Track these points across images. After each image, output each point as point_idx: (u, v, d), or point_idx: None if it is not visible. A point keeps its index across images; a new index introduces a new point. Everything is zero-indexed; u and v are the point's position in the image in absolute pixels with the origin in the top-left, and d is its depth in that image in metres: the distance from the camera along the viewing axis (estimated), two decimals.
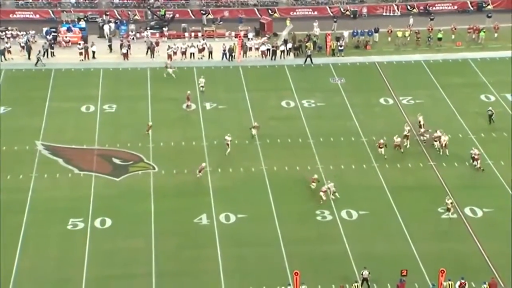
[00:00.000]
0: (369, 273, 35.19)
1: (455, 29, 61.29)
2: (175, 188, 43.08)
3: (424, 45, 60.29)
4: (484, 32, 60.75)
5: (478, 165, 44.13)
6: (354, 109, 51.52)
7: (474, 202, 41.81)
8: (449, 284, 34.32)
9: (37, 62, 56.16)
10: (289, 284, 34.78)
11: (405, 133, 46.79)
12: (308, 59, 57.42)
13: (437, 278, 34.81)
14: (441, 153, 45.80)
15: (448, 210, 40.30)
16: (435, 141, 46.19)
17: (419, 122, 48.26)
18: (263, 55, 58.98)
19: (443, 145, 45.97)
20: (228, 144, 46.08)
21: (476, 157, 44.49)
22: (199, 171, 43.37)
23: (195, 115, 50.87)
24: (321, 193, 41.27)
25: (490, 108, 49.42)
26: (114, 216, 40.48)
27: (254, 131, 46.64)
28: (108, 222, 40.14)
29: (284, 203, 41.76)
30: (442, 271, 34.54)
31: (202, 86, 53.96)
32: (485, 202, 41.78)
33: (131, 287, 36.00)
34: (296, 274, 34.46)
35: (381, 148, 45.37)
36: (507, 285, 35.48)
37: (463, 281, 34.50)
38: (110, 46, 58.85)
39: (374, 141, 47.01)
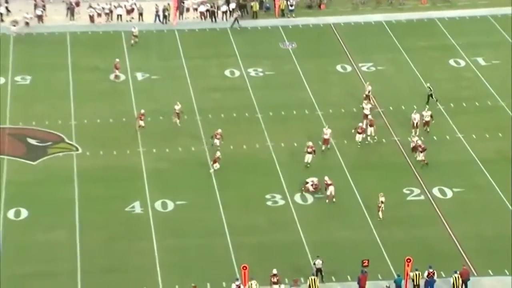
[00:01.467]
0: (322, 262, 35.51)
1: None
2: (103, 172, 42.72)
3: (385, 4, 60.77)
4: None
5: (421, 158, 42.82)
6: (307, 78, 51.67)
7: (443, 181, 42.46)
8: (416, 274, 34.86)
9: None
10: (237, 279, 34.92)
11: (366, 112, 46.40)
12: (236, 22, 57.15)
13: (403, 268, 35.38)
14: (371, 141, 44.80)
15: (379, 209, 39.23)
16: (358, 132, 44.24)
17: (366, 92, 47.89)
18: (202, 17, 58.61)
19: (416, 124, 45.02)
20: (177, 114, 45.79)
21: (417, 146, 42.89)
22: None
23: (124, 87, 50.30)
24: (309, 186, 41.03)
25: (429, 85, 48.85)
26: (31, 206, 39.92)
27: (217, 141, 43.83)
28: (24, 212, 39.58)
29: (230, 186, 41.77)
30: (409, 260, 35.07)
31: (135, 36, 53.49)
32: (455, 181, 42.47)
33: (52, 287, 35.61)
34: (245, 268, 34.61)
35: (310, 153, 42.86)
36: (480, 272, 36.29)
37: (431, 270, 35.08)
38: (7, 8, 57.60)
39: (331, 114, 47.37)
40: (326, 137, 44.32)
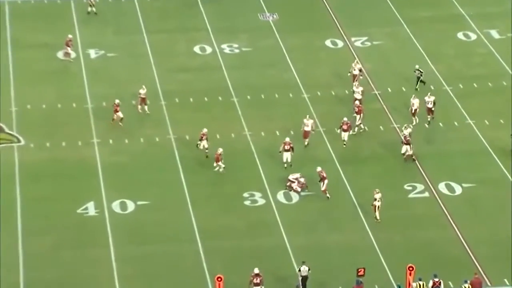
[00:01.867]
0: (309, 269, 35.59)
1: None
2: (50, 167, 42.70)
3: None
4: None
5: (409, 152, 42.85)
6: (291, 55, 51.77)
7: (451, 175, 42.68)
8: (419, 285, 35.06)
9: None
10: None
11: (357, 96, 46.24)
12: None
13: (404, 278, 35.53)
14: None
15: (375, 208, 39.39)
16: (344, 130, 43.72)
17: (355, 72, 47.83)
18: None
19: (414, 111, 45.06)
20: (143, 100, 45.77)
21: (406, 140, 42.90)
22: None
23: (75, 66, 50.29)
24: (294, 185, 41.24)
25: (418, 67, 48.99)
26: None
27: (205, 144, 43.13)
28: None
29: (201, 183, 41.83)
30: (411, 268, 35.24)
31: (92, 3, 53.92)
32: (465, 175, 42.70)
33: None
34: (219, 279, 34.63)
35: (288, 151, 42.58)
36: (494, 281, 36.51)
37: (436, 280, 35.30)
38: None
39: (319, 97, 47.57)
40: (307, 129, 44.12)
